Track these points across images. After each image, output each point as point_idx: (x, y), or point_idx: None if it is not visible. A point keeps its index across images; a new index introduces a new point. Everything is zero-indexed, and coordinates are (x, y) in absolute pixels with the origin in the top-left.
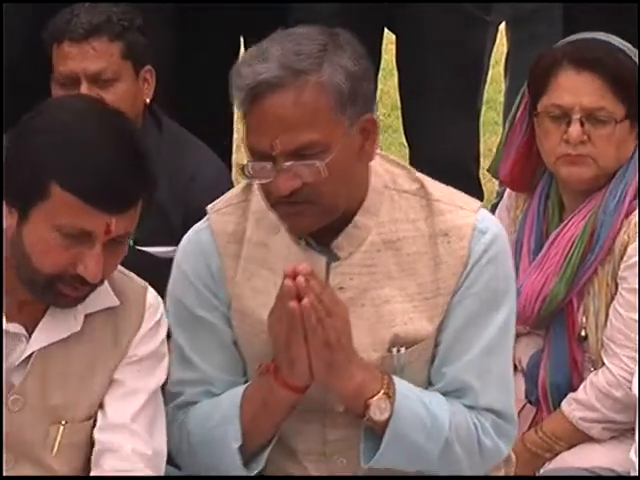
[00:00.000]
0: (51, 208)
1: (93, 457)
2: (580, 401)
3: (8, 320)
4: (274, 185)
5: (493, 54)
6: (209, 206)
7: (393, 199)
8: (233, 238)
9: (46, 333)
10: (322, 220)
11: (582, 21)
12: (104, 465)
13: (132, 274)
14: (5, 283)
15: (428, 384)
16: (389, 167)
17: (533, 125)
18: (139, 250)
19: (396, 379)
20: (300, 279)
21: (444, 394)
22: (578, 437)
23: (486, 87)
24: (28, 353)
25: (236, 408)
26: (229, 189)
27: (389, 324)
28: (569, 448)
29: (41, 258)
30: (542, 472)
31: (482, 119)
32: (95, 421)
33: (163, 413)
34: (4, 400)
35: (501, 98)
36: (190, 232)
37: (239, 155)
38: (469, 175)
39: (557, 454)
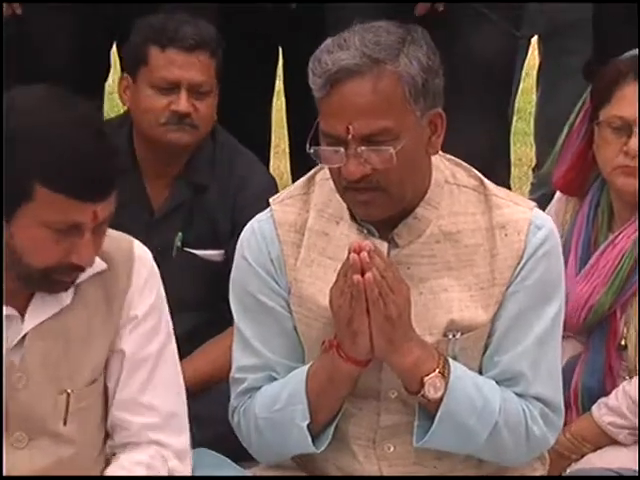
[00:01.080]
0: (37, 208)
1: (109, 429)
2: (611, 407)
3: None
4: (345, 169)
5: (525, 66)
6: (272, 198)
7: (453, 193)
8: (294, 227)
9: (38, 311)
10: (390, 209)
11: (611, 36)
12: (115, 438)
13: (115, 232)
14: None
15: (480, 373)
16: (449, 164)
17: (591, 133)
18: (187, 252)
19: (451, 361)
20: (364, 254)
21: (496, 382)
22: (605, 441)
23: (517, 98)
24: (24, 333)
25: (302, 387)
26: (274, 194)
27: (446, 310)
28: (594, 450)
29: (34, 255)
30: (568, 472)
31: (513, 129)
32: (97, 382)
33: (175, 371)
34: (4, 381)
35: (531, 109)
36: (252, 222)
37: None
38: (497, 182)
39: (583, 455)
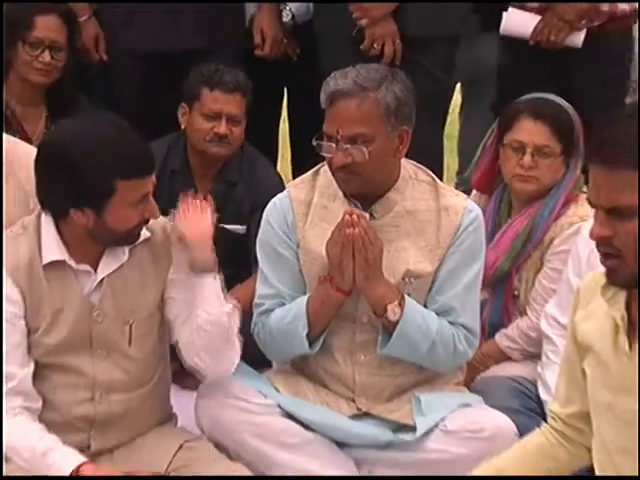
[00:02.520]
0: (121, 196)
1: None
2: (508, 336)
3: (78, 263)
4: (334, 159)
5: (452, 103)
6: (288, 183)
7: (414, 185)
8: (304, 203)
9: (106, 267)
10: (361, 188)
11: (511, 85)
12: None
13: None
14: (71, 244)
15: (425, 307)
16: (412, 166)
17: (497, 151)
18: (221, 227)
19: (406, 296)
20: (354, 216)
21: (435, 314)
22: (503, 358)
23: (447, 126)
24: (98, 280)
25: (304, 309)
26: (282, 191)
27: (404, 263)
28: (496, 364)
29: (123, 225)
30: (478, 378)
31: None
32: (153, 316)
33: None
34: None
35: (456, 134)
36: (274, 199)
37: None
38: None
39: (488, 367)
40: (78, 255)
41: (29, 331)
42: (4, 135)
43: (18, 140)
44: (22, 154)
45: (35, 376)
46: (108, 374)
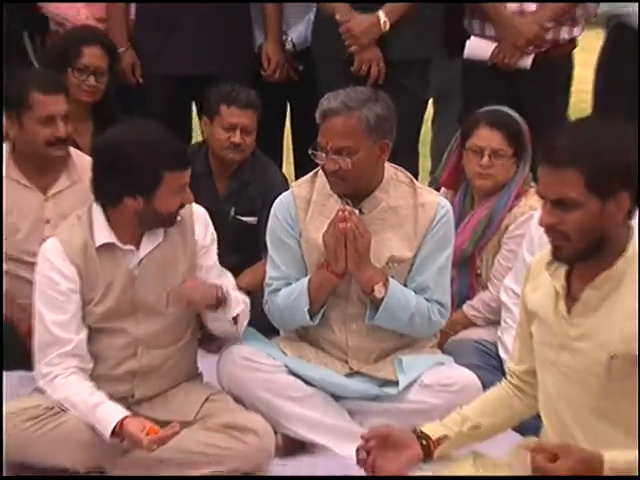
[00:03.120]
0: (167, 185)
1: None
2: (473, 306)
3: (124, 244)
4: (325, 166)
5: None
6: (292, 183)
7: (396, 185)
8: (305, 200)
9: (146, 246)
10: (348, 190)
11: (473, 100)
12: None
13: None
14: (118, 228)
15: (405, 286)
16: (393, 169)
17: (461, 154)
18: (237, 218)
19: (390, 278)
20: (347, 213)
21: (414, 292)
22: (469, 324)
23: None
24: (140, 257)
25: (305, 288)
26: (286, 190)
27: (388, 250)
28: (464, 329)
29: (168, 209)
30: (449, 341)
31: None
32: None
33: (221, 270)
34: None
35: (429, 141)
36: (281, 196)
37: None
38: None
39: (457, 332)
40: (124, 237)
41: (84, 303)
42: (71, 149)
43: (81, 153)
44: (87, 165)
45: (88, 339)
46: (148, 333)
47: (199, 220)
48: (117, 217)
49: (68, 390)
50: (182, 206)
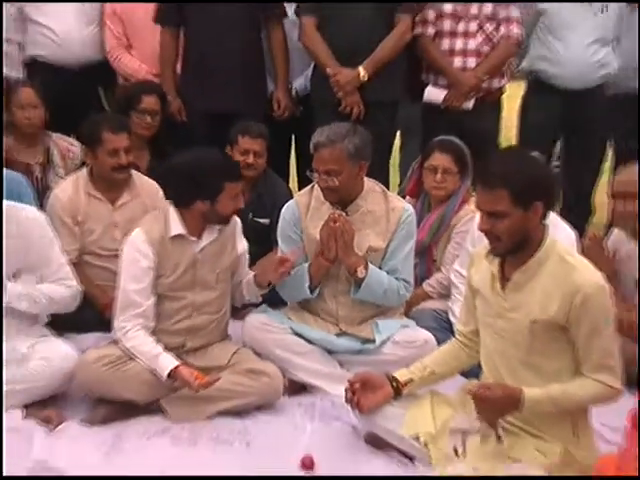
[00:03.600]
0: (227, 193)
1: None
2: (430, 284)
3: (191, 236)
4: (319, 183)
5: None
6: (295, 193)
7: (372, 194)
8: (305, 205)
9: (206, 238)
10: (337, 199)
11: (430, 132)
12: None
13: None
14: (187, 224)
15: (380, 269)
16: (370, 182)
17: (421, 172)
18: (253, 220)
19: (369, 263)
20: (337, 215)
21: (387, 273)
22: (427, 297)
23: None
24: (201, 247)
25: (306, 271)
26: (291, 198)
27: (367, 242)
28: (423, 301)
29: (226, 212)
30: (413, 310)
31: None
32: (228, 268)
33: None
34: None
35: (397, 163)
36: (287, 203)
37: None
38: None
39: (419, 303)
40: (191, 231)
41: (156, 276)
42: (132, 171)
43: (140, 174)
44: (145, 183)
45: (156, 303)
46: (201, 301)
47: (238, 225)
48: (188, 216)
49: (136, 341)
50: (237, 209)
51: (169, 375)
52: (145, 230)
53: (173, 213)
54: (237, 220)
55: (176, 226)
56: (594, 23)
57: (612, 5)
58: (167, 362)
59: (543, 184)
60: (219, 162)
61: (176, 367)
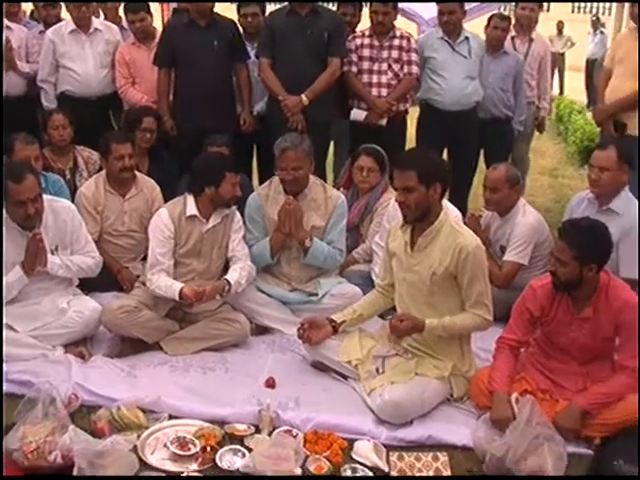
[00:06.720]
0: (227, 181)
1: (230, 260)
2: (357, 252)
3: (202, 217)
4: (286, 177)
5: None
6: (257, 188)
7: (315, 186)
8: (265, 196)
9: (213, 219)
10: (294, 189)
11: (356, 141)
12: (235, 265)
13: None
14: (200, 208)
15: (321, 241)
16: (313, 177)
17: (351, 170)
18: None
19: (314, 237)
20: (291, 200)
21: (326, 244)
22: (355, 262)
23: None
24: (209, 226)
25: (267, 243)
26: (252, 191)
27: (311, 222)
28: (352, 265)
29: (229, 195)
30: (345, 271)
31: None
32: (224, 247)
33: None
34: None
35: (332, 163)
36: (252, 194)
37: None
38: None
39: (349, 267)
40: (202, 213)
41: (174, 244)
42: (136, 172)
43: (142, 174)
44: (146, 182)
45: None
46: (202, 269)
47: (237, 217)
48: (200, 200)
49: (159, 282)
50: (236, 195)
51: (180, 295)
52: (169, 210)
53: (190, 199)
54: (237, 214)
55: (191, 208)
56: (463, 65)
57: (474, 52)
58: (176, 286)
59: (441, 169)
60: (220, 158)
61: (182, 288)
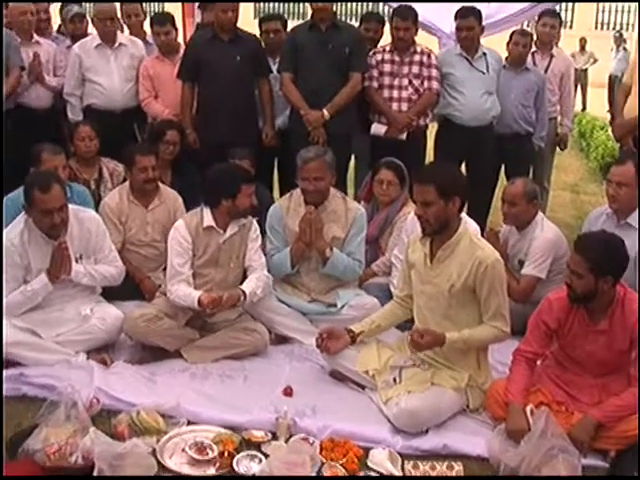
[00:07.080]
0: (243, 192)
1: (247, 269)
2: (377, 265)
3: (218, 227)
4: (309, 188)
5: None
6: (278, 200)
7: (336, 199)
8: (285, 207)
9: (230, 230)
10: (316, 199)
11: (377, 156)
12: (252, 275)
13: None
14: (217, 218)
15: (340, 252)
16: (334, 189)
17: (372, 184)
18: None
19: (334, 247)
20: (312, 210)
21: (346, 255)
22: (374, 275)
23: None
24: (226, 237)
25: (287, 253)
26: (273, 203)
27: (332, 233)
28: (372, 278)
29: (245, 205)
30: (364, 284)
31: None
32: (240, 257)
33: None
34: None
35: (352, 177)
36: (273, 205)
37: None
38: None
39: (369, 279)
40: (219, 224)
41: (192, 255)
42: (160, 184)
43: (165, 186)
44: (169, 193)
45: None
46: (219, 278)
47: (254, 226)
48: (217, 212)
49: (179, 292)
50: (252, 205)
51: (199, 303)
52: (186, 221)
53: (206, 210)
54: (254, 223)
55: (208, 220)
56: (481, 81)
57: (491, 67)
58: (195, 295)
59: (460, 184)
60: (234, 170)
61: (199, 296)
